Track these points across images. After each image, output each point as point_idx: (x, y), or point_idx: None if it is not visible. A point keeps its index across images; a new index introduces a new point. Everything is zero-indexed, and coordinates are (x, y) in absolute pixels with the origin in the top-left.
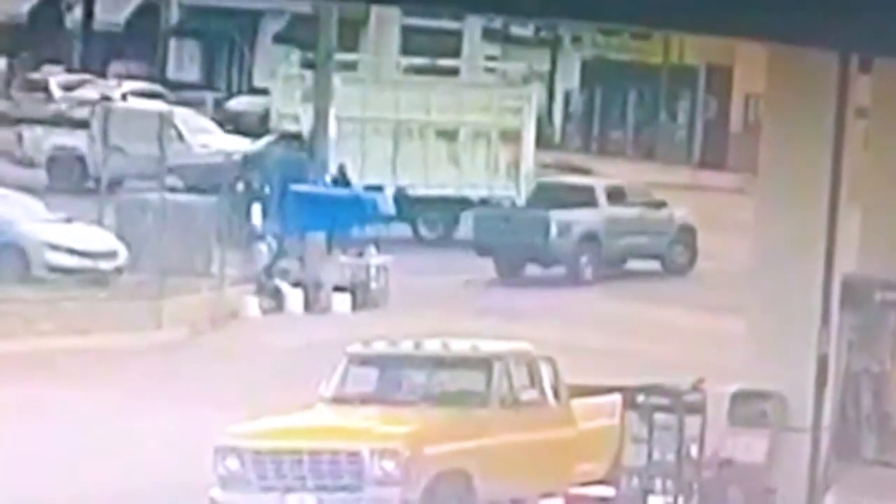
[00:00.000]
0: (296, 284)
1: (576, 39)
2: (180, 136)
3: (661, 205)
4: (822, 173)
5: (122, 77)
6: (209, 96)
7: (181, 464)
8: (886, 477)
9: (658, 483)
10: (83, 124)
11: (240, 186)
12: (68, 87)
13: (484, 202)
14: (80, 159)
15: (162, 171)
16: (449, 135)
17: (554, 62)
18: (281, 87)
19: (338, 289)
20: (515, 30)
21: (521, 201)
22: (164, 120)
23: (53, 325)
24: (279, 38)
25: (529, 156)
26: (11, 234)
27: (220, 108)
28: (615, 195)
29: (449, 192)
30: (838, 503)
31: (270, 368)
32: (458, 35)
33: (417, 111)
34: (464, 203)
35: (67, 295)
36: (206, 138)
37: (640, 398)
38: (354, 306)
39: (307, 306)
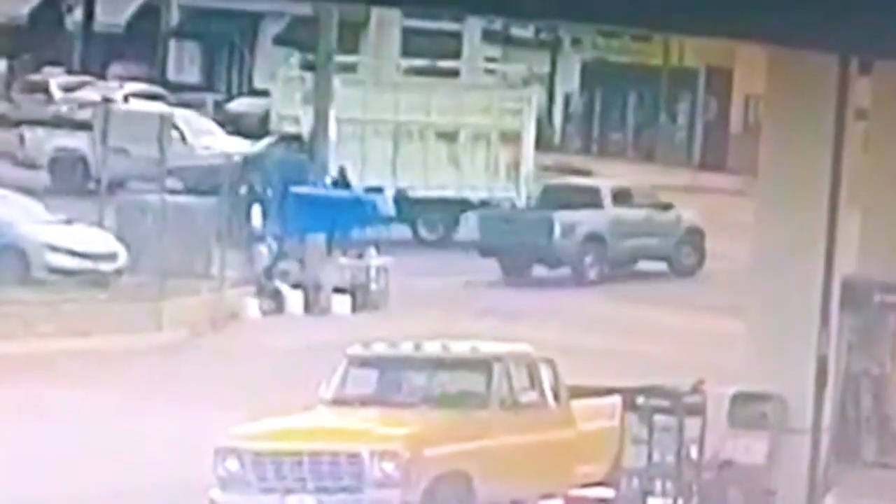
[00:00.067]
0: (296, 286)
1: (576, 41)
2: (183, 138)
3: (667, 206)
4: (821, 175)
5: (122, 79)
6: (209, 98)
7: (181, 465)
8: (886, 479)
9: (658, 484)
10: (85, 126)
11: (243, 189)
12: (68, 89)
13: (484, 204)
14: (83, 161)
15: (162, 172)
16: (449, 136)
17: (554, 64)
18: (281, 88)
19: (338, 290)
20: (515, 32)
21: (521, 203)
22: (166, 122)
23: (53, 327)
24: (279, 40)
25: (529, 157)
26: (11, 236)
27: (220, 110)
28: (621, 196)
29: (449, 193)
30: None
31: (270, 370)
32: (458, 37)
33: (417, 113)
34: (464, 205)
35: (67, 296)
36: (208, 140)
37: (640, 400)
38: (354, 308)
39: (307, 308)
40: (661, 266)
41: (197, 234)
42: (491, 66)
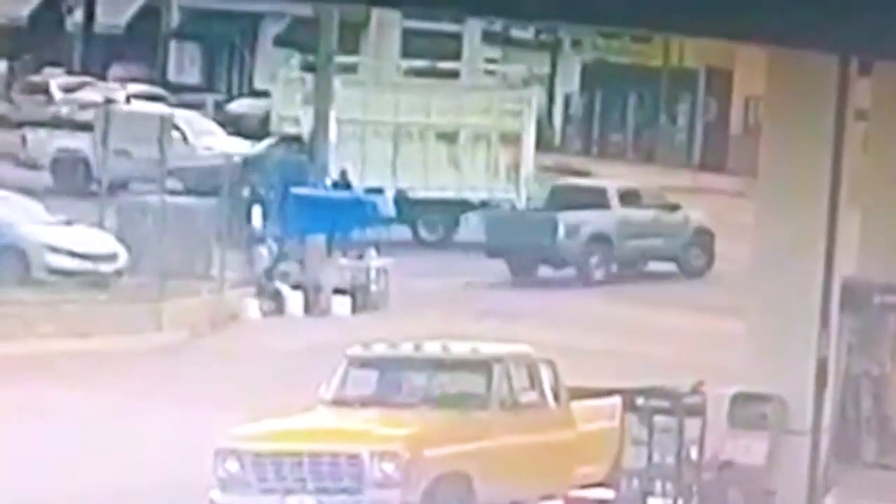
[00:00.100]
0: (296, 287)
1: (576, 42)
2: (184, 139)
3: (675, 207)
4: (821, 175)
5: (122, 80)
6: (210, 99)
7: (181, 466)
8: (886, 480)
9: (658, 485)
10: (86, 127)
11: (245, 191)
12: (69, 90)
13: (484, 205)
14: (84, 161)
15: (163, 173)
16: (449, 137)
17: (554, 65)
18: (281, 89)
19: (338, 291)
20: (515, 33)
21: (520, 204)
22: (167, 122)
23: (54, 328)
24: (279, 41)
25: (529, 158)
26: (12, 237)
27: (220, 111)
28: (629, 197)
29: (449, 194)
30: None
31: (270, 371)
32: (458, 38)
33: (418, 114)
34: (464, 205)
35: (67, 297)
36: (208, 141)
37: (640, 400)
38: (354, 309)
39: (307, 309)
40: (670, 267)
41: (197, 235)
42: (491, 67)
